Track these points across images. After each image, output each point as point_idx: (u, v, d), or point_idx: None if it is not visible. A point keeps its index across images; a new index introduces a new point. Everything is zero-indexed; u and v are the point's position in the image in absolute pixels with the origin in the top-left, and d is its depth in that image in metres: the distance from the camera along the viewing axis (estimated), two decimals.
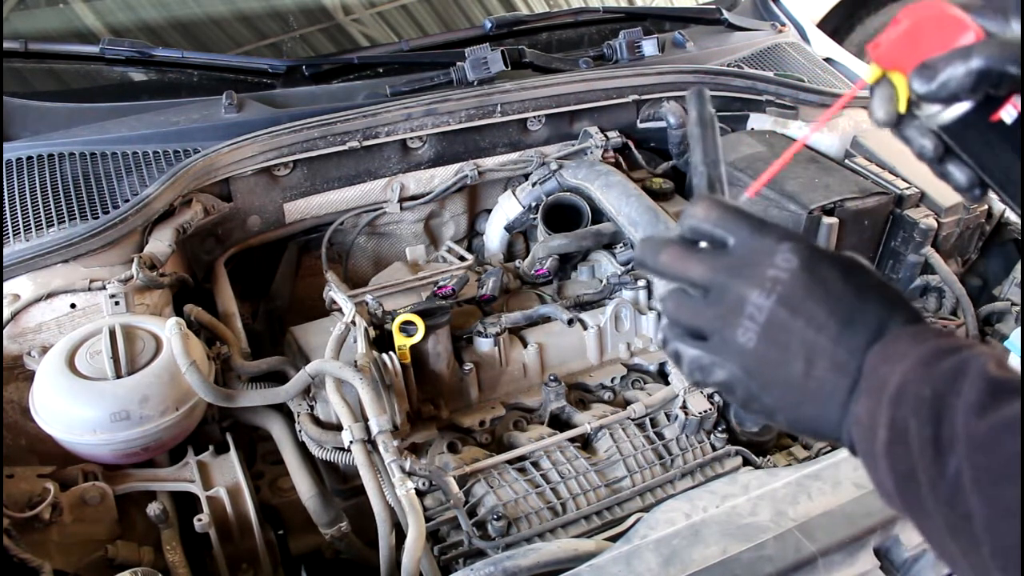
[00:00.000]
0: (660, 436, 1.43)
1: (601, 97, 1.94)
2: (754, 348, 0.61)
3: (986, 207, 1.82)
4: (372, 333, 1.39)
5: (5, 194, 1.50)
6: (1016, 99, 0.64)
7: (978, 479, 0.50)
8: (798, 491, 1.13)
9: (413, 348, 1.36)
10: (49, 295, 1.37)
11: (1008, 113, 0.64)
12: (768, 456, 1.45)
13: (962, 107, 0.66)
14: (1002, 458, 0.49)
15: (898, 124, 0.69)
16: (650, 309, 1.62)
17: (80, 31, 1.93)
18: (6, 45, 1.73)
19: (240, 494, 1.30)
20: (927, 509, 0.53)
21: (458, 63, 1.83)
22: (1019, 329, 1.63)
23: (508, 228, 1.90)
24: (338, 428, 1.31)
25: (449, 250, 1.90)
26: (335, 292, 1.52)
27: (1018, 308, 1.75)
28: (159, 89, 1.81)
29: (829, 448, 1.44)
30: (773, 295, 0.60)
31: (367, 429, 1.25)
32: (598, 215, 1.79)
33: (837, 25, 3.59)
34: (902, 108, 0.68)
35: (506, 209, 1.90)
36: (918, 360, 0.55)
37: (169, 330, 1.29)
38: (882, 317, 0.59)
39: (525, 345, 1.54)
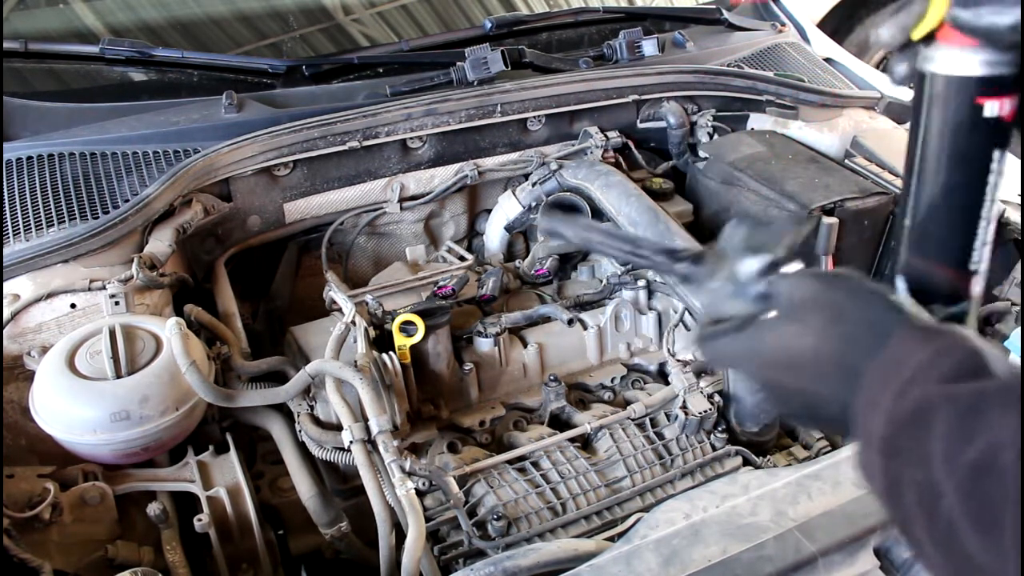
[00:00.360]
0: (660, 436, 1.43)
1: (601, 97, 1.94)
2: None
3: None
4: (372, 333, 1.39)
5: (5, 194, 1.50)
6: (1008, 101, 0.63)
7: (971, 523, 0.50)
8: (798, 491, 1.13)
9: (413, 348, 1.36)
10: (49, 295, 1.37)
11: (991, 106, 0.64)
12: (768, 456, 1.45)
13: (964, 69, 0.65)
14: (988, 500, 0.49)
15: (901, 47, 0.69)
16: (650, 309, 1.62)
17: (80, 31, 1.93)
18: (6, 45, 1.73)
19: (240, 494, 1.30)
20: (926, 551, 0.55)
21: (458, 63, 1.83)
22: (1019, 329, 1.63)
23: (508, 228, 1.90)
24: (338, 428, 1.31)
25: (449, 250, 1.90)
26: (335, 292, 1.52)
27: (1018, 308, 1.75)
28: (159, 89, 1.81)
29: (829, 448, 1.44)
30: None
31: (367, 429, 1.24)
32: (598, 215, 1.79)
33: (837, 25, 3.60)
34: (916, 35, 0.67)
35: (506, 209, 1.89)
36: (889, 407, 0.57)
37: (169, 330, 1.29)
38: (855, 361, 0.62)
39: (525, 345, 1.54)
